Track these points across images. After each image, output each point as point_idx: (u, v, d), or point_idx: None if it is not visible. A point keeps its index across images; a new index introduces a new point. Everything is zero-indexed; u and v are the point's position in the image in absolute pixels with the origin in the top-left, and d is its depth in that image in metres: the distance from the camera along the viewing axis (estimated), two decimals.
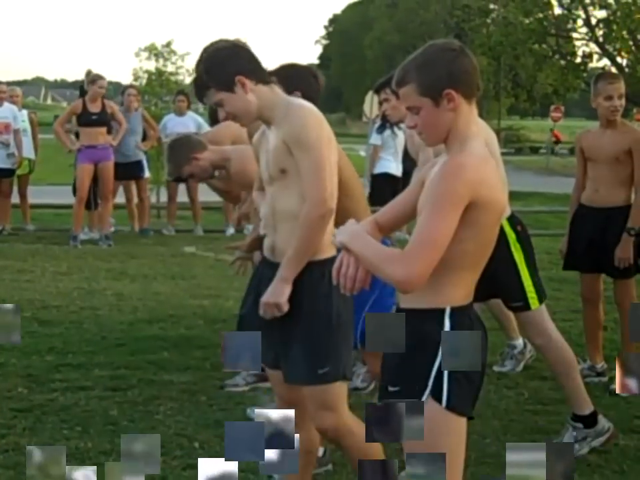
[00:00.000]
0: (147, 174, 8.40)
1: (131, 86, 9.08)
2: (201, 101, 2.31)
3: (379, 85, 3.27)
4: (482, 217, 1.74)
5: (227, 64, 2.22)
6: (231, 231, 8.20)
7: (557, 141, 28.59)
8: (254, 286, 2.39)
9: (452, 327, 1.76)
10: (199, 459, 2.89)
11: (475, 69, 1.80)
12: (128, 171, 8.08)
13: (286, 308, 2.20)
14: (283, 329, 2.25)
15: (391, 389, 1.79)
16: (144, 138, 8.28)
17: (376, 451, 2.27)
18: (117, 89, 15.20)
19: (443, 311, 1.76)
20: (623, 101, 3.61)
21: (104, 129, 7.53)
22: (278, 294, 2.20)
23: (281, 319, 2.24)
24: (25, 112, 8.70)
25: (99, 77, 7.55)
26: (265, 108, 2.25)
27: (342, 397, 2.30)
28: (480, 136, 1.81)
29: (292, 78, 3.11)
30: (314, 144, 2.17)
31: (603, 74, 3.84)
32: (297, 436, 2.36)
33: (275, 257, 2.30)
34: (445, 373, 1.73)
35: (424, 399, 1.73)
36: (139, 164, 8.21)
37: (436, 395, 1.73)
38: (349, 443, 2.31)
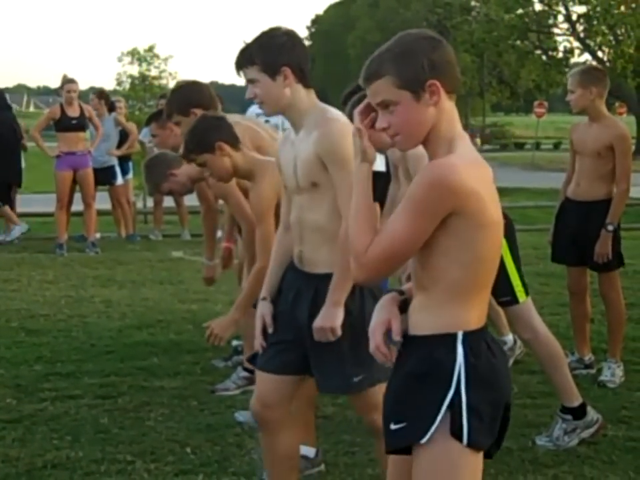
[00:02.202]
0: (119, 181, 8.30)
1: (95, 91, 9.00)
2: (237, 71, 2.24)
3: (345, 98, 3.24)
4: (474, 232, 1.54)
5: (282, 51, 2.18)
6: (218, 234, 8.17)
7: None
8: (283, 291, 2.35)
9: (465, 354, 1.57)
10: (191, 464, 2.92)
11: (455, 60, 1.63)
12: (100, 177, 7.99)
13: (339, 332, 2.19)
14: (318, 343, 2.23)
15: (393, 427, 1.60)
16: (120, 144, 8.21)
17: None
18: None
19: (454, 336, 1.58)
20: (574, 95, 3.65)
21: (83, 134, 7.51)
22: (332, 318, 2.17)
23: (310, 330, 2.23)
24: None
25: (67, 81, 7.51)
26: (295, 109, 2.21)
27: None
28: (466, 137, 1.62)
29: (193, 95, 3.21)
30: (351, 159, 2.11)
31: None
32: (276, 441, 2.38)
33: (302, 265, 2.29)
34: (464, 407, 1.54)
35: (429, 435, 1.54)
36: (111, 169, 8.14)
37: (455, 431, 1.53)
38: None
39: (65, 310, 5.26)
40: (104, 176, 8.06)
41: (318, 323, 2.20)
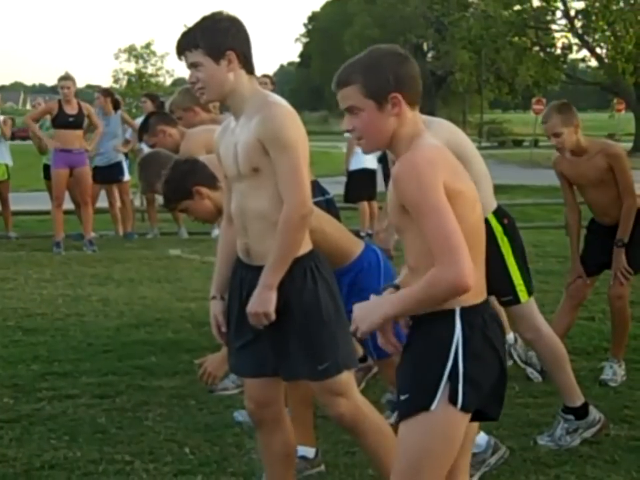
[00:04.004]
0: (127, 177, 8.33)
1: (101, 89, 8.97)
2: (179, 55, 2.20)
3: None
4: (454, 208, 1.66)
5: (226, 34, 2.15)
6: (216, 232, 8.15)
7: None
8: (236, 290, 2.32)
9: (463, 328, 1.69)
10: (189, 464, 2.90)
11: (419, 75, 1.79)
12: (109, 174, 8.03)
13: (274, 316, 2.16)
14: (275, 331, 2.21)
15: (401, 397, 1.75)
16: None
17: (390, 434, 2.26)
18: None
19: (452, 312, 1.70)
20: (563, 137, 3.48)
21: (80, 132, 7.47)
22: (265, 303, 2.14)
23: (272, 323, 2.20)
24: (0, 117, 8.60)
25: (62, 77, 7.46)
26: (237, 95, 2.18)
27: (350, 383, 2.29)
28: (425, 131, 1.78)
29: None
30: (293, 144, 2.12)
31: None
32: (272, 439, 2.36)
33: (250, 259, 2.25)
34: (461, 377, 1.68)
35: (434, 406, 1.69)
36: (118, 166, 8.15)
37: (452, 398, 1.69)
38: (365, 427, 2.30)
39: (62, 309, 5.23)
40: (111, 173, 8.06)
41: (252, 307, 2.16)
